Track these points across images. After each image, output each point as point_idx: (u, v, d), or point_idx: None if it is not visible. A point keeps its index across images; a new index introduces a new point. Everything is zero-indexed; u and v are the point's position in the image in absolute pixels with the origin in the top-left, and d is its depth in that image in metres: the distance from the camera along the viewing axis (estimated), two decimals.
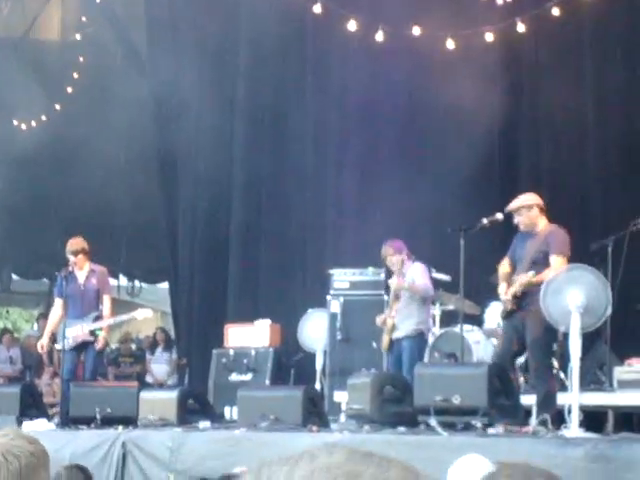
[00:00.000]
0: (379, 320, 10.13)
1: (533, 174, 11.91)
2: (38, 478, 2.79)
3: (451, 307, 10.60)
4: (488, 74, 11.82)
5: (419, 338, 10.04)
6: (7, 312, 22.83)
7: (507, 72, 12.21)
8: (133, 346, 17.60)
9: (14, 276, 18.71)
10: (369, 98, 12.60)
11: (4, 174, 16.12)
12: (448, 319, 10.61)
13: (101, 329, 10.57)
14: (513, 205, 8.44)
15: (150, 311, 11.38)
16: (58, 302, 10.86)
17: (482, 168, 12.03)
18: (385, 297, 11.45)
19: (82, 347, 10.62)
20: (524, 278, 8.04)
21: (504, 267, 8.49)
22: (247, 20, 13.75)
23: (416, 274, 10.02)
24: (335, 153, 13.12)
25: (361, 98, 12.69)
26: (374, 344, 10.37)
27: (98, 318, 10.58)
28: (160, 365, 15.78)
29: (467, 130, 12.04)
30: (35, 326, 19.39)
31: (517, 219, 8.38)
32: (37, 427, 9.61)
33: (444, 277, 10.40)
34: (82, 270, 10.64)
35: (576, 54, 11.79)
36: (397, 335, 9.99)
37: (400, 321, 9.98)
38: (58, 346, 10.95)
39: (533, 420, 7.78)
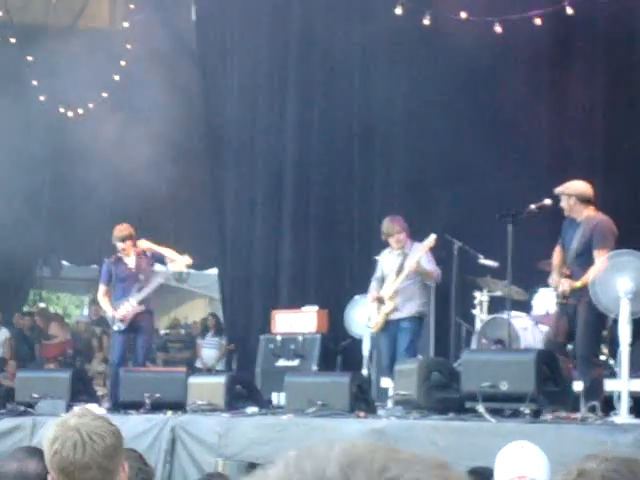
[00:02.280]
0: (371, 298, 9.89)
1: (584, 159, 11.79)
2: (119, 457, 2.83)
3: (499, 293, 10.53)
4: (536, 59, 11.73)
5: (421, 320, 9.89)
6: (58, 298, 23.11)
7: (555, 57, 12.09)
8: (182, 331, 17.74)
9: (64, 262, 18.91)
10: (416, 87, 12.55)
11: (52, 162, 16.30)
12: (496, 305, 10.55)
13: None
14: (557, 189, 8.41)
15: (188, 257, 11.22)
16: (102, 289, 10.94)
17: (531, 153, 11.95)
18: (432, 283, 11.43)
19: (132, 330, 10.73)
20: (568, 285, 8.02)
21: (556, 256, 8.47)
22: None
23: (424, 257, 9.75)
24: (382, 141, 13.10)
25: (409, 87, 12.64)
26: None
27: (141, 289, 10.69)
28: (210, 350, 15.89)
29: (517, 117, 11.96)
30: (85, 311, 19.60)
31: (562, 202, 8.37)
32: None
33: (492, 263, 10.35)
34: (130, 256, 10.74)
35: (627, 35, 11.62)
36: (397, 316, 9.75)
37: (402, 302, 9.75)
38: (115, 327, 11.03)
39: (582, 407, 7.74)
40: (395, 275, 9.78)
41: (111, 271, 10.73)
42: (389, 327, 9.81)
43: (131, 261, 10.74)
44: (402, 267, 9.76)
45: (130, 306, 10.62)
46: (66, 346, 16.50)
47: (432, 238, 9.76)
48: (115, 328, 11.09)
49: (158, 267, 11.21)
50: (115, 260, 10.71)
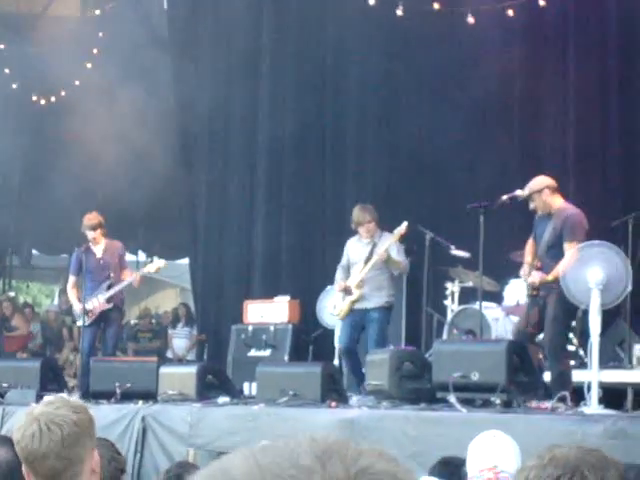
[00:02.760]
0: (339, 287, 9.83)
1: (556, 150, 11.83)
2: (82, 447, 2.81)
3: (470, 284, 10.57)
4: (508, 49, 11.75)
5: (389, 310, 9.81)
6: (27, 287, 22.97)
7: (527, 46, 12.12)
8: (152, 321, 17.68)
9: (34, 251, 18.80)
10: (388, 75, 12.57)
11: (24, 149, 16.17)
12: (467, 296, 10.59)
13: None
14: (523, 193, 8.46)
15: (163, 261, 11.42)
16: (72, 279, 10.90)
17: (502, 145, 11.99)
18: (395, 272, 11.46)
19: (101, 321, 10.68)
20: (538, 278, 8.07)
21: (528, 248, 8.54)
22: None
23: (394, 247, 9.69)
24: (355, 130, 13.10)
25: (380, 76, 12.66)
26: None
27: (111, 286, 10.64)
28: (181, 340, 15.85)
29: (487, 106, 11.99)
30: (56, 301, 19.50)
31: (532, 205, 8.41)
32: None
33: (463, 254, 10.38)
34: (99, 245, 10.70)
35: (600, 27, 11.66)
36: (364, 305, 9.67)
37: (370, 291, 9.67)
38: (79, 323, 11.02)
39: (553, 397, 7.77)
40: (363, 264, 9.73)
41: (81, 261, 10.68)
42: (354, 315, 9.73)
43: (99, 250, 10.69)
44: (371, 256, 9.71)
45: (97, 302, 10.57)
46: (27, 339, 16.25)
47: (403, 226, 9.70)
48: (79, 323, 11.05)
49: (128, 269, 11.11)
50: (85, 249, 10.67)
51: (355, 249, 9.90)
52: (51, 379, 10.26)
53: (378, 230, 9.81)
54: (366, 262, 9.70)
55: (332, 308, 10.07)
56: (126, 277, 10.76)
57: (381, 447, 0.92)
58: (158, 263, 11.20)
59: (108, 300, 10.60)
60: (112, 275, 10.66)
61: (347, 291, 9.77)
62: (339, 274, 9.97)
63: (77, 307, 10.71)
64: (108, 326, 10.75)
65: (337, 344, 10.34)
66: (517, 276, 10.01)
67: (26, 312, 16.93)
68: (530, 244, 8.57)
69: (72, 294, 10.90)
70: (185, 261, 16.72)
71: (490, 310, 9.98)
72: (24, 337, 16.15)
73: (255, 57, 13.88)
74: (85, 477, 2.80)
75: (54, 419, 2.79)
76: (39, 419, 2.78)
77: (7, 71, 15.23)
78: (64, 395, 9.65)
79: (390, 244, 9.64)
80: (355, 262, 9.83)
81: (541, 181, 8.45)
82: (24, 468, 2.84)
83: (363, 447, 0.91)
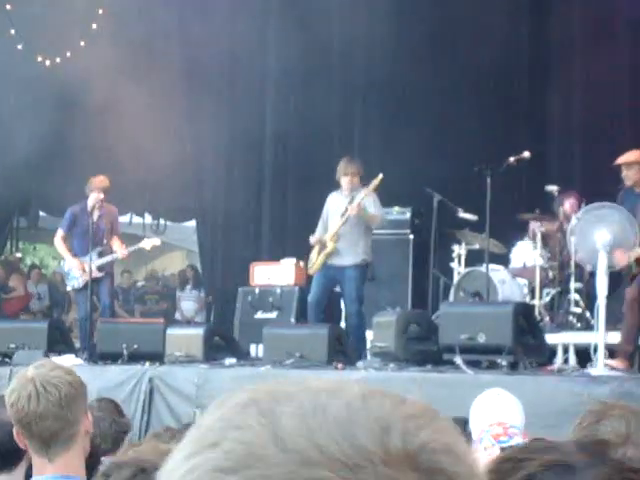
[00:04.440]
0: (313, 240, 9.66)
1: (563, 111, 11.78)
2: (77, 407, 2.82)
3: (476, 246, 10.55)
4: (516, 9, 11.67)
5: (365, 268, 9.60)
6: (34, 249, 23.01)
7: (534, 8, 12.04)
8: (159, 284, 17.72)
9: (41, 213, 18.79)
10: (396, 38, 12.48)
11: (29, 111, 16.12)
12: (473, 259, 10.57)
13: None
14: (627, 158, 8.28)
15: (158, 239, 11.38)
16: (60, 233, 10.82)
17: (509, 105, 11.93)
18: (410, 236, 11.44)
19: (93, 283, 10.62)
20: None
21: None
22: None
23: (371, 202, 9.49)
24: (362, 93, 13.03)
25: (389, 38, 12.56)
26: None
27: (102, 254, 10.60)
28: (189, 302, 15.89)
29: (496, 67, 11.92)
30: (62, 262, 19.53)
31: (625, 173, 8.24)
32: (65, 362, 9.71)
33: (470, 217, 10.35)
34: (97, 209, 10.62)
35: None
36: (339, 262, 9.51)
37: (345, 248, 9.49)
38: (69, 287, 11.01)
39: (558, 359, 7.79)
40: (340, 217, 9.55)
41: (75, 219, 10.63)
42: (328, 270, 9.58)
43: (96, 214, 10.60)
44: (347, 210, 9.52)
45: (88, 267, 10.48)
46: (26, 300, 16.05)
47: (378, 177, 9.48)
48: (69, 288, 11.02)
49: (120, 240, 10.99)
50: (81, 209, 10.61)
51: (334, 202, 9.72)
52: (58, 340, 10.29)
53: (359, 185, 9.60)
54: (342, 215, 9.53)
55: (309, 261, 9.93)
56: (114, 243, 10.68)
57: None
58: (153, 241, 11.10)
59: (99, 269, 10.55)
60: (104, 242, 10.60)
61: (322, 243, 9.63)
62: (318, 228, 9.79)
63: (70, 262, 10.66)
64: (101, 290, 10.71)
65: (343, 306, 10.32)
66: (523, 239, 10.00)
67: (33, 273, 16.94)
68: None
69: (61, 247, 10.82)
70: (192, 223, 16.72)
71: (497, 272, 9.97)
72: (22, 298, 15.94)
73: (262, 23, 13.78)
74: (79, 438, 2.81)
75: (50, 380, 2.79)
76: (34, 380, 2.78)
77: (12, 32, 15.15)
78: (68, 357, 9.70)
79: (364, 197, 9.42)
80: (332, 215, 9.67)
81: (636, 156, 8.27)
82: (16, 431, 2.85)
83: (417, 410, 0.80)
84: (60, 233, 10.81)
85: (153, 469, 2.24)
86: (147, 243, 11.05)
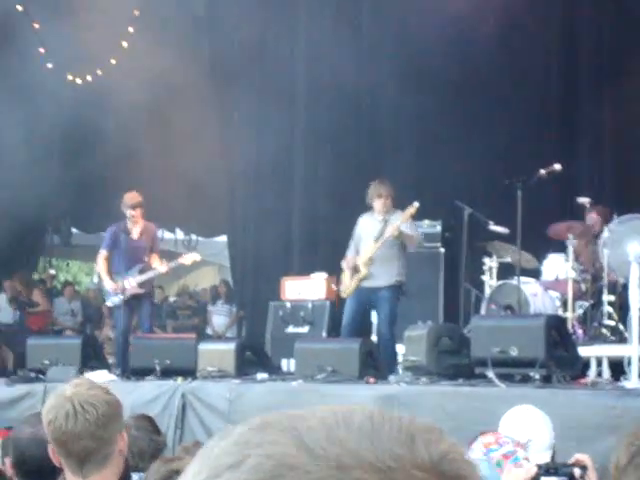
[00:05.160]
0: (346, 265, 9.65)
1: (592, 124, 11.73)
2: (113, 427, 2.82)
3: (508, 260, 10.51)
4: (546, 21, 11.65)
5: (399, 288, 9.62)
6: (67, 265, 23.16)
7: (566, 19, 12.01)
8: (191, 299, 17.78)
9: (74, 230, 18.93)
10: (422, 51, 12.49)
11: (61, 129, 16.26)
12: (505, 271, 10.54)
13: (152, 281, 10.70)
14: None
15: (197, 255, 11.39)
16: (103, 253, 10.88)
17: (540, 118, 11.90)
18: (441, 249, 11.42)
19: (132, 302, 10.69)
20: None
21: None
22: None
23: (407, 226, 9.50)
24: (392, 103, 13.04)
25: (414, 56, 12.58)
26: None
27: (143, 270, 10.66)
28: (220, 317, 15.93)
29: (527, 79, 11.90)
30: (95, 279, 19.65)
31: None
32: (98, 378, 9.77)
33: (501, 229, 10.32)
34: (137, 225, 10.68)
35: None
36: (373, 284, 9.51)
37: (379, 270, 9.50)
38: (109, 303, 11.07)
39: (592, 372, 7.74)
40: (373, 241, 9.56)
41: (117, 238, 10.69)
42: (361, 293, 9.59)
43: (136, 232, 10.68)
44: (381, 234, 9.53)
45: (129, 284, 10.56)
46: (50, 315, 15.92)
47: (415, 207, 9.48)
48: (109, 304, 11.08)
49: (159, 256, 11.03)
50: (122, 228, 10.67)
51: (366, 225, 9.72)
52: (91, 356, 10.35)
53: (392, 208, 9.62)
54: (376, 239, 9.53)
55: (341, 284, 9.95)
56: (154, 261, 10.73)
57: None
58: (193, 256, 11.15)
59: (140, 285, 10.62)
60: (145, 259, 10.67)
61: (355, 268, 9.64)
62: (350, 251, 9.82)
63: (108, 284, 10.73)
64: (141, 307, 10.77)
65: (374, 320, 10.31)
66: (555, 251, 9.97)
67: (67, 290, 17.04)
68: None
69: (102, 267, 10.88)
70: (223, 238, 16.79)
71: (528, 285, 9.92)
72: (46, 313, 15.83)
73: (291, 33, 13.84)
74: (114, 457, 2.82)
75: (88, 399, 2.80)
76: (72, 399, 2.79)
77: (42, 50, 15.30)
78: (101, 373, 9.76)
79: (403, 221, 9.43)
80: (366, 238, 9.66)
81: None
82: (52, 448, 2.85)
83: (430, 425, 0.84)
84: (103, 253, 10.90)
85: None
86: (187, 259, 11.08)
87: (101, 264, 10.93)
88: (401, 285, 9.68)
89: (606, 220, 9.14)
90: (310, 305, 11.33)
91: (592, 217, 9.68)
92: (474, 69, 12.18)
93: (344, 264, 9.79)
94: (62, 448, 2.80)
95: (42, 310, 15.69)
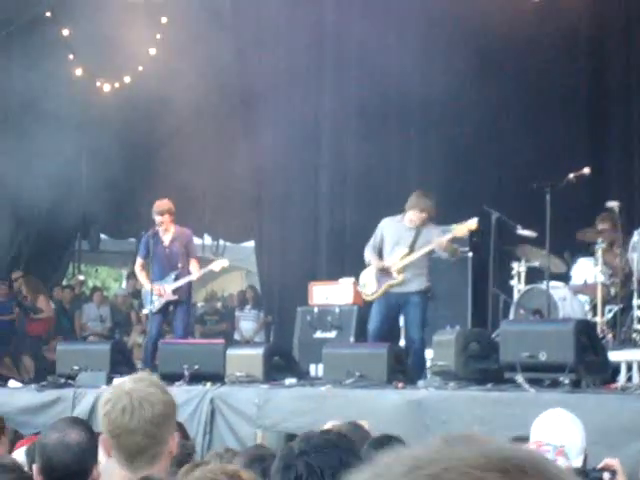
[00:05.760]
0: (379, 264, 9.59)
1: (623, 128, 11.67)
2: (167, 427, 2.82)
3: (536, 264, 10.47)
4: (576, 23, 11.60)
5: (428, 294, 9.63)
6: (96, 271, 23.28)
7: (595, 20, 11.96)
8: (219, 304, 17.82)
9: (102, 236, 19.03)
10: (450, 51, 12.47)
11: (90, 136, 16.37)
12: (533, 276, 10.50)
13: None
14: None
15: (226, 261, 11.43)
16: (139, 262, 10.99)
17: (569, 122, 11.85)
18: (469, 254, 11.39)
19: (167, 309, 10.77)
20: None
21: None
22: None
23: (441, 236, 9.47)
24: (420, 111, 13.03)
25: (444, 52, 12.56)
26: None
27: (178, 277, 10.71)
28: (248, 322, 15.96)
29: (557, 83, 11.86)
30: (124, 285, 19.74)
31: None
32: None
33: (530, 233, 10.28)
34: (168, 232, 10.73)
35: None
36: (402, 289, 9.52)
37: (411, 276, 9.51)
38: (145, 311, 11.14)
39: (622, 376, 7.69)
40: (408, 249, 9.53)
41: (149, 246, 10.75)
42: (390, 298, 9.59)
43: (167, 238, 10.74)
44: (415, 242, 9.50)
45: (164, 291, 10.64)
46: (53, 322, 15.76)
47: (474, 223, 9.44)
48: (145, 311, 11.15)
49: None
50: (153, 235, 10.73)
51: (394, 230, 9.66)
52: (120, 362, 10.38)
53: (427, 221, 9.58)
54: (411, 247, 9.51)
55: (361, 285, 9.92)
56: (192, 266, 10.79)
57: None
58: (222, 262, 11.20)
59: (174, 292, 10.68)
60: (180, 265, 10.72)
61: (384, 271, 9.63)
62: (370, 253, 9.74)
63: (147, 286, 10.79)
64: (176, 314, 10.84)
65: (402, 324, 10.28)
66: (585, 255, 9.92)
67: (95, 296, 17.12)
68: None
69: (142, 275, 11.00)
70: (250, 244, 16.82)
71: (557, 290, 9.88)
72: (50, 319, 15.64)
73: (318, 39, 13.86)
74: (164, 457, 2.82)
75: (146, 396, 2.79)
76: (131, 394, 2.79)
77: (71, 57, 15.40)
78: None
79: (456, 234, 9.47)
80: (395, 244, 9.61)
81: None
82: (105, 440, 2.84)
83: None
84: (139, 261, 11.02)
85: None
86: (216, 265, 11.14)
87: (139, 272, 11.06)
88: (429, 290, 9.69)
89: (615, 229, 9.14)
90: (338, 310, 11.33)
91: (603, 225, 9.64)
92: (504, 72, 12.14)
93: (375, 264, 9.68)
94: (114, 441, 2.80)
95: (45, 317, 15.56)
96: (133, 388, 2.81)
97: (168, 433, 2.82)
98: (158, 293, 10.60)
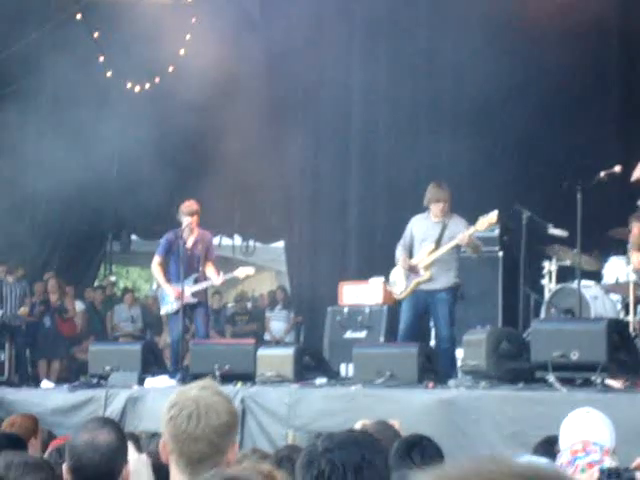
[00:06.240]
0: (404, 263, 9.56)
1: None
2: (230, 437, 2.79)
3: (567, 263, 10.41)
4: (607, 21, 11.53)
5: (456, 290, 9.57)
6: (127, 272, 23.39)
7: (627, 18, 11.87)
8: (249, 304, 17.85)
9: (133, 237, 19.11)
10: (484, 54, 12.43)
11: (121, 137, 16.44)
12: (564, 275, 10.44)
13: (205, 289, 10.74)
14: (637, 175, 8.28)
15: (252, 269, 11.33)
16: (157, 259, 10.90)
17: (601, 120, 11.78)
18: (500, 253, 11.34)
19: (186, 310, 10.75)
20: None
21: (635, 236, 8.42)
22: None
23: (464, 229, 9.39)
24: (450, 109, 12.99)
25: (474, 55, 12.51)
26: None
27: (198, 280, 10.70)
28: (278, 322, 15.98)
29: (587, 81, 11.79)
30: (154, 285, 19.82)
31: None
32: (159, 383, 9.85)
33: (561, 232, 10.23)
34: (192, 234, 10.72)
35: None
36: (430, 286, 9.47)
37: (439, 272, 9.46)
38: (163, 311, 11.13)
39: None
40: (434, 244, 9.49)
41: (171, 245, 10.72)
42: (418, 296, 9.55)
43: (191, 240, 10.73)
44: (441, 237, 9.47)
45: (182, 293, 10.59)
46: (79, 325, 15.76)
47: (495, 215, 9.36)
48: (163, 312, 11.13)
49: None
50: (178, 235, 10.71)
51: (422, 227, 9.64)
52: (152, 362, 10.43)
53: (449, 212, 9.56)
54: (437, 243, 9.48)
55: (391, 284, 9.88)
56: (208, 270, 10.77)
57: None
58: (247, 270, 11.13)
59: (193, 294, 10.68)
60: (200, 268, 10.70)
61: (412, 269, 9.59)
62: (399, 251, 9.72)
63: (168, 289, 10.75)
64: (196, 315, 10.81)
65: (432, 324, 10.24)
66: (617, 254, 9.85)
67: (126, 296, 17.19)
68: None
69: (158, 272, 10.92)
70: (280, 244, 16.84)
71: (589, 289, 9.81)
72: (73, 320, 15.62)
73: (347, 33, 13.84)
74: (222, 467, 2.79)
75: (212, 405, 2.78)
76: (198, 402, 2.77)
77: (102, 59, 15.48)
78: (161, 378, 9.82)
79: (475, 231, 9.39)
80: (422, 241, 9.58)
81: None
82: (165, 444, 2.83)
83: None
84: (157, 259, 10.95)
85: None
86: (241, 272, 11.07)
87: (156, 270, 10.99)
88: (458, 287, 9.63)
89: None
90: (368, 310, 11.32)
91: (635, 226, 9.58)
92: (536, 71, 12.09)
93: (401, 263, 9.67)
94: (177, 446, 2.78)
95: (70, 317, 15.59)
96: (199, 395, 2.79)
97: (229, 443, 2.80)
98: (176, 295, 10.58)
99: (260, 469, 2.40)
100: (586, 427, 4.12)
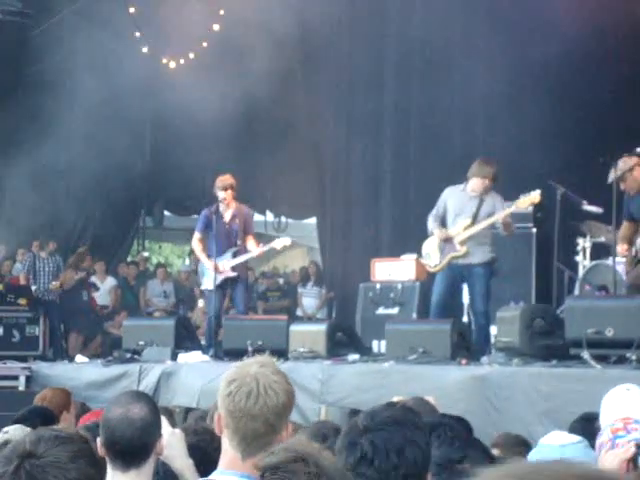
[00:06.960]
0: (442, 234, 9.42)
1: None
2: (285, 417, 2.78)
3: (602, 239, 10.33)
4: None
5: (492, 265, 9.44)
6: (160, 248, 23.49)
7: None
8: (281, 280, 17.88)
9: (166, 212, 19.18)
10: (518, 35, 12.31)
11: (155, 113, 16.47)
12: (598, 251, 10.36)
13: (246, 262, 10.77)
14: (615, 176, 8.30)
15: (288, 239, 11.37)
16: (197, 235, 10.93)
17: (636, 95, 11.64)
18: (533, 229, 11.27)
19: (226, 284, 10.76)
20: None
21: (624, 232, 8.43)
22: None
23: (502, 206, 9.32)
24: (483, 88, 12.87)
25: (510, 38, 12.39)
26: None
27: (237, 254, 10.70)
28: (310, 299, 15.99)
29: (622, 59, 11.65)
30: (187, 261, 19.89)
31: (623, 186, 8.26)
32: (192, 359, 9.90)
33: (595, 209, 10.15)
34: (229, 208, 10.70)
35: None
36: (466, 260, 9.33)
37: (475, 247, 9.32)
38: (203, 286, 11.15)
39: None
40: (470, 219, 9.36)
41: (210, 221, 10.71)
42: (453, 269, 9.43)
43: (228, 215, 10.71)
44: (478, 213, 9.34)
45: (223, 267, 10.62)
46: (112, 301, 15.72)
47: (537, 195, 9.28)
48: (203, 287, 11.13)
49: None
50: (214, 211, 10.69)
51: (457, 200, 9.48)
52: (185, 337, 10.49)
53: (490, 188, 9.40)
54: (474, 218, 9.37)
55: (425, 257, 9.77)
56: (249, 243, 10.77)
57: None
58: (284, 241, 11.13)
59: (233, 268, 10.67)
60: (239, 242, 10.70)
61: (447, 241, 9.47)
62: (432, 222, 9.58)
63: (207, 264, 10.75)
64: (236, 291, 10.82)
65: (465, 301, 10.19)
66: None
67: (159, 272, 17.26)
68: (626, 227, 8.44)
69: (198, 248, 10.94)
70: (312, 220, 16.83)
71: (623, 265, 9.73)
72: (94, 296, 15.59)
73: (380, 23, 13.75)
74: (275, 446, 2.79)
75: (272, 384, 2.77)
76: (258, 379, 2.76)
77: (138, 34, 15.49)
78: (195, 353, 9.85)
79: (499, 204, 9.30)
80: (457, 214, 9.45)
81: (630, 160, 8.30)
82: (220, 418, 2.81)
83: None
84: (197, 235, 10.98)
85: (313, 461, 2.24)
86: (278, 243, 11.07)
87: (196, 246, 11.02)
88: (494, 261, 9.53)
89: None
90: (400, 286, 11.30)
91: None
92: (567, 49, 11.95)
93: (438, 235, 9.50)
94: (232, 422, 2.77)
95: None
96: (260, 373, 2.77)
97: (284, 423, 2.79)
98: (217, 269, 10.58)
99: (314, 446, 2.38)
100: (627, 405, 4.08)
